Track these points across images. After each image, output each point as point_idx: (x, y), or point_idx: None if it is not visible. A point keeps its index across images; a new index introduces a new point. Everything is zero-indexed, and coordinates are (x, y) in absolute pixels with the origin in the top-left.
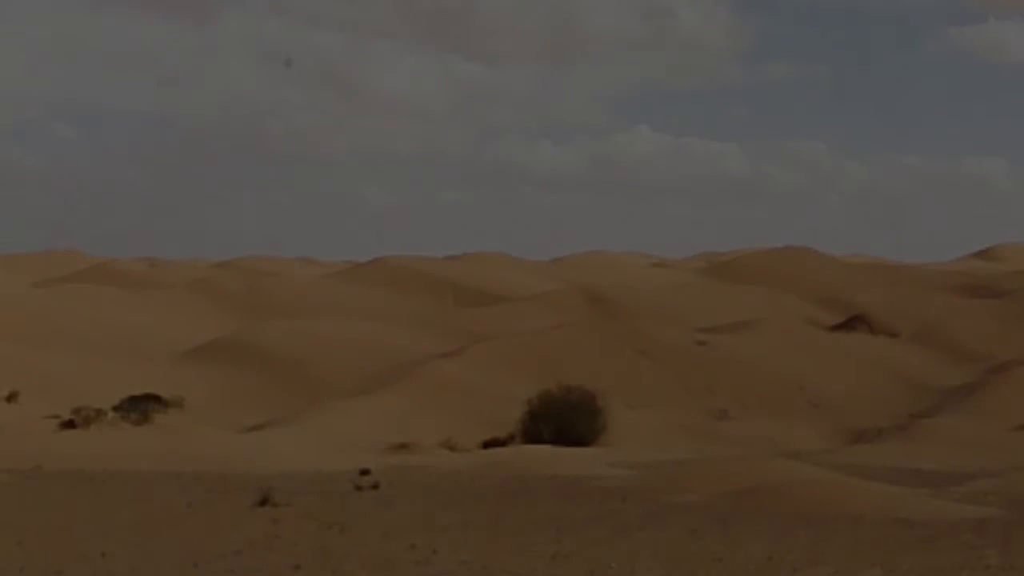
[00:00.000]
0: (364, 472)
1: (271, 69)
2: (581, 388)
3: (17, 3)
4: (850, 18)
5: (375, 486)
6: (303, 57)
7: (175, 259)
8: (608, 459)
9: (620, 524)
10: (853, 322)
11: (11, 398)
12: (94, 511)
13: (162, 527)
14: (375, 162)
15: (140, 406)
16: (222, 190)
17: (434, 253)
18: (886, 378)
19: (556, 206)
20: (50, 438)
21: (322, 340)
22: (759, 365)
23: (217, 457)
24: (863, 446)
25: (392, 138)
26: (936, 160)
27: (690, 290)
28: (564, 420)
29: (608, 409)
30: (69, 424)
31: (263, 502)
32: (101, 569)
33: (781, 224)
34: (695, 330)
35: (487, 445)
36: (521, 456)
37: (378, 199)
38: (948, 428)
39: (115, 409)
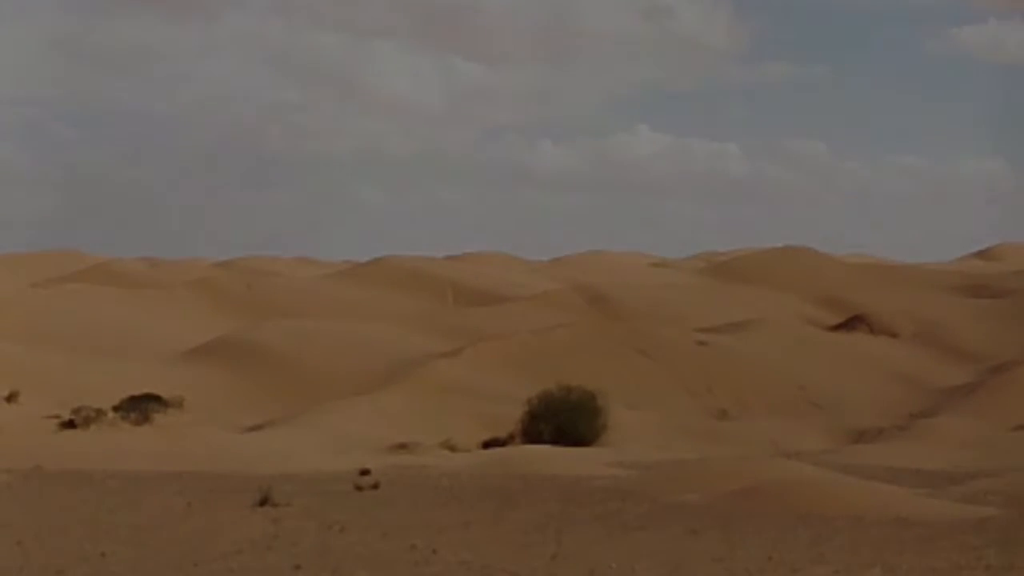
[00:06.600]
0: (364, 472)
1: (271, 69)
2: (581, 388)
3: (17, 3)
4: (850, 18)
5: (375, 486)
6: (303, 57)
7: (175, 259)
8: (608, 459)
9: (620, 524)
10: (853, 322)
11: (11, 398)
12: (94, 511)
13: (162, 527)
14: (375, 162)
15: (140, 406)
16: (222, 190)
17: (434, 253)
18: (886, 378)
19: (556, 206)
20: (50, 438)
21: (322, 340)
22: (759, 365)
23: (217, 457)
24: (863, 446)
25: (392, 138)
26: (936, 160)
27: (690, 290)
28: (564, 420)
29: (608, 409)
30: (69, 424)
31: (263, 502)
32: (101, 569)
33: (781, 224)
34: (695, 330)
35: (487, 445)
36: (521, 456)
37: (378, 199)
38: (948, 428)
39: (115, 409)
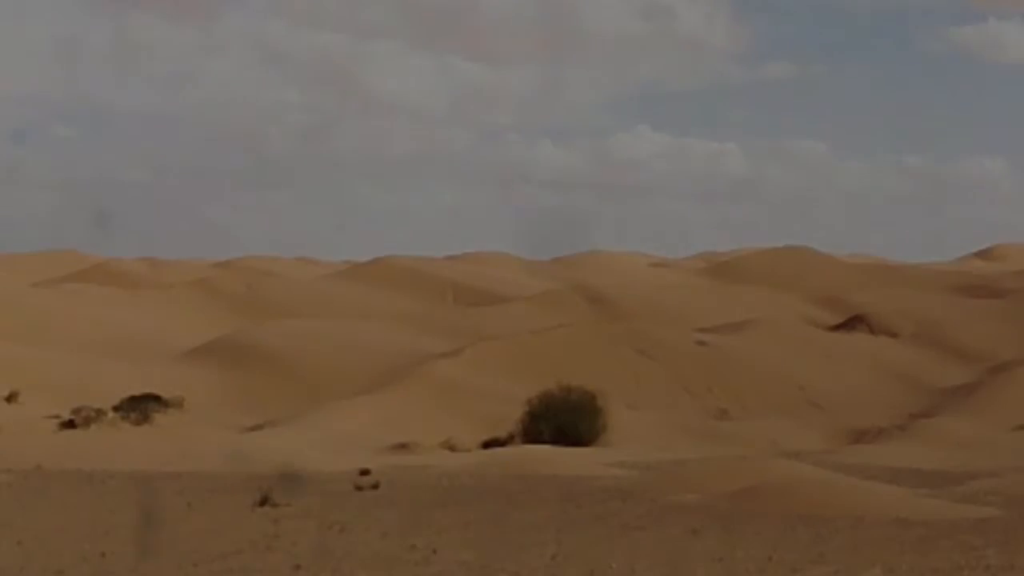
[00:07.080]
0: (364, 472)
1: (271, 69)
2: (581, 388)
3: (17, 3)
4: (850, 18)
5: (375, 486)
6: (303, 57)
7: (175, 259)
8: (608, 459)
9: (620, 524)
10: (853, 322)
11: (11, 398)
12: (94, 511)
13: (162, 527)
14: (375, 162)
15: (140, 406)
16: (222, 190)
17: (434, 253)
18: (886, 378)
19: (556, 206)
20: (50, 438)
21: (322, 340)
22: (759, 365)
23: (217, 457)
24: (863, 446)
25: (392, 138)
26: (936, 160)
27: (690, 290)
28: (564, 420)
29: (608, 409)
30: (69, 424)
31: (263, 502)
32: (101, 569)
33: (781, 224)
34: (695, 330)
35: (487, 445)
36: (521, 456)
37: (378, 199)
38: (948, 428)
39: (115, 409)
